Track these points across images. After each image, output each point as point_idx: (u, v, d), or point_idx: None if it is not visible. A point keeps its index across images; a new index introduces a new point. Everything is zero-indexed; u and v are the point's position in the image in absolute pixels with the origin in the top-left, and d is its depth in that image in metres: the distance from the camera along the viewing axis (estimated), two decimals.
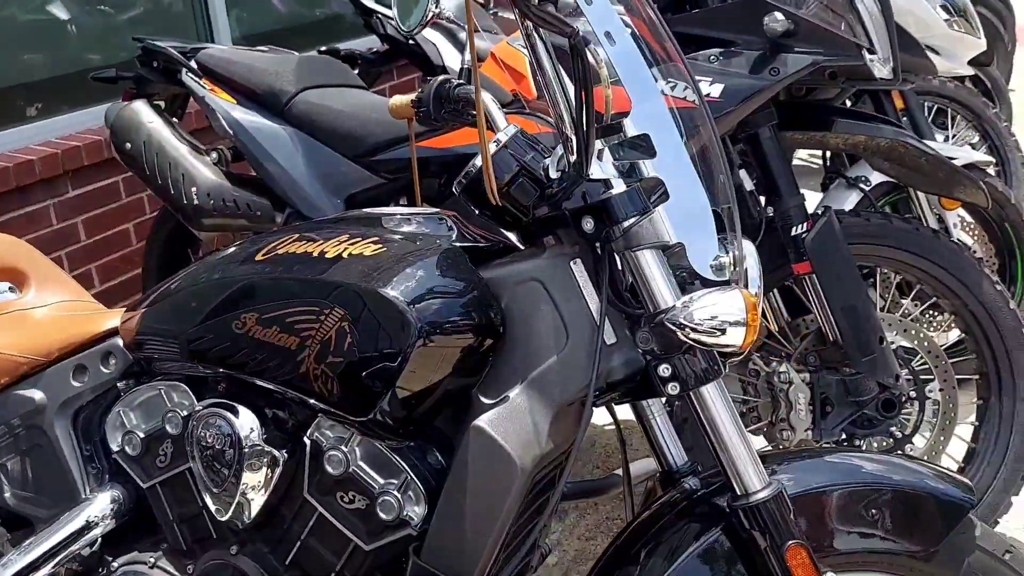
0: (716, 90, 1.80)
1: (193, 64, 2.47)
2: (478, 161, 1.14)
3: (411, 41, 3.21)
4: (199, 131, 3.24)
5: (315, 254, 1.17)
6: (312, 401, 1.15)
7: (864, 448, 2.03)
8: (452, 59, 2.89)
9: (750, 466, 1.10)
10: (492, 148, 1.13)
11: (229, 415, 1.20)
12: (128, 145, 2.42)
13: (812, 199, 2.62)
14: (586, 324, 1.10)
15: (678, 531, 1.16)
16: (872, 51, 1.82)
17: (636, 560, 1.17)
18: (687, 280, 1.12)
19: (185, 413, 1.27)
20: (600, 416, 1.30)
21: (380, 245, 1.15)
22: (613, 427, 1.33)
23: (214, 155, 2.48)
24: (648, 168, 1.12)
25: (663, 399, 1.24)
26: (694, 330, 1.03)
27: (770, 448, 2.09)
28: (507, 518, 1.10)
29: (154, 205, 3.25)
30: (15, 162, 2.85)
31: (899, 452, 1.99)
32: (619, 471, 1.40)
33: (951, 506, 1.15)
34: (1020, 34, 7.42)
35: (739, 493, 1.10)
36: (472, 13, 1.13)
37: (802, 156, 4.94)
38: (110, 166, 3.07)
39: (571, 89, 1.06)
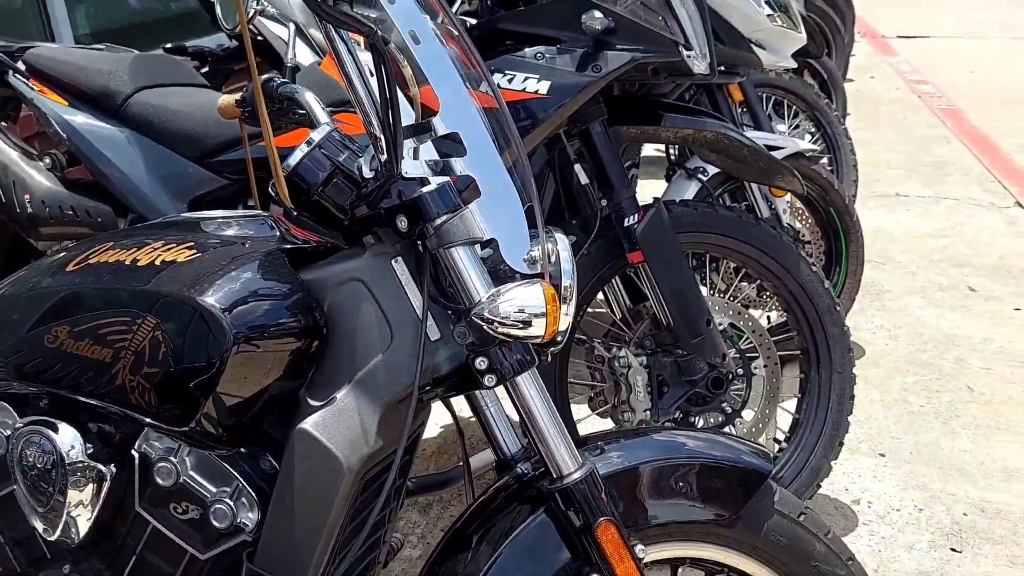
0: (543, 87, 1.86)
1: (20, 65, 2.37)
2: (292, 159, 1.14)
3: (259, 37, 3.17)
4: (35, 136, 3.11)
5: (127, 262, 1.15)
6: (132, 414, 1.13)
7: (699, 424, 2.16)
8: (302, 54, 2.86)
9: (563, 449, 1.15)
10: (305, 148, 1.14)
11: (49, 432, 1.17)
12: None
13: (660, 188, 2.75)
14: (410, 321, 1.13)
15: (508, 515, 1.21)
16: (689, 48, 1.91)
17: (468, 544, 1.21)
18: (507, 274, 1.16)
19: (7, 432, 1.23)
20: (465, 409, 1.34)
21: (195, 251, 1.14)
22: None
23: (48, 160, 2.38)
24: (459, 166, 1.15)
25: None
26: (501, 324, 1.06)
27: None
28: (337, 518, 1.12)
29: None
30: None
31: (713, 427, 2.10)
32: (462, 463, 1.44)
33: (751, 474, 1.24)
34: (860, 25, 7.90)
35: (555, 476, 1.16)
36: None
37: (660, 149, 5.13)
38: None
39: (376, 88, 1.08)
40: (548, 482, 1.17)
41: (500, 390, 1.17)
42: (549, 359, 1.25)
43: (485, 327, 1.08)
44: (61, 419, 1.19)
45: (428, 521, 2.42)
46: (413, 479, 1.46)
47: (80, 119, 2.29)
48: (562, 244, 1.23)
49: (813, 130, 3.93)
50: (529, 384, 1.15)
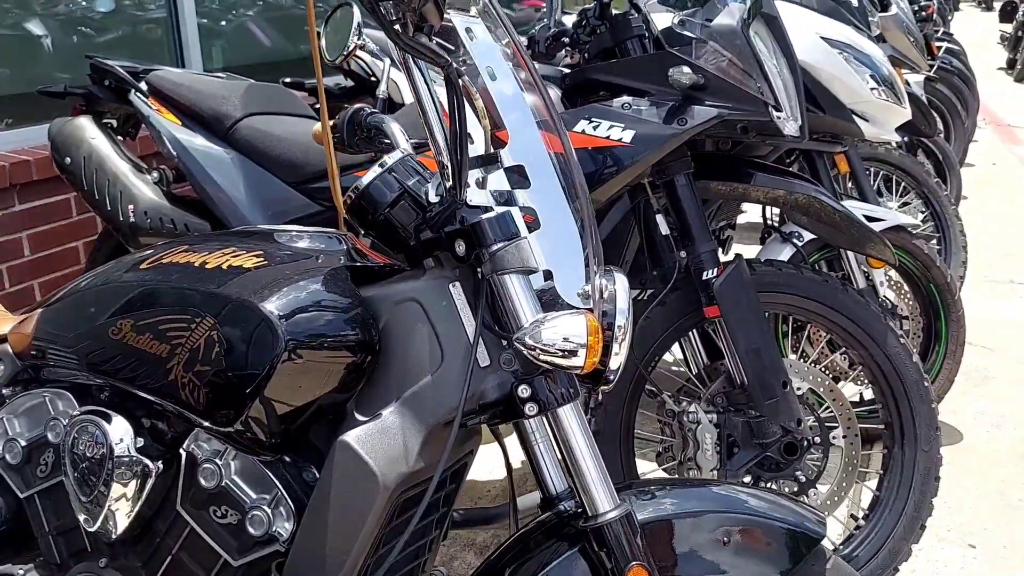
0: (627, 135, 1.86)
1: (143, 85, 2.52)
2: (364, 180, 1.17)
3: (372, 78, 3.29)
4: (153, 155, 3.28)
5: (196, 264, 1.18)
6: (182, 411, 1.15)
7: None
8: (403, 91, 2.96)
9: (600, 488, 1.13)
10: (377, 170, 1.18)
11: (103, 423, 1.20)
12: (68, 160, 2.44)
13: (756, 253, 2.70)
14: (461, 346, 1.13)
15: (544, 550, 1.19)
16: (778, 108, 1.89)
17: (501, 575, 1.19)
18: (560, 308, 1.15)
19: (67, 421, 1.25)
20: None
21: (262, 259, 1.17)
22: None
23: (155, 175, 2.50)
24: (523, 198, 1.16)
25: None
26: (543, 351, 1.06)
27: None
28: (368, 535, 1.12)
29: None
30: None
31: (766, 487, 2.02)
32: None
33: (802, 537, 1.19)
34: (986, 113, 7.67)
35: (590, 514, 1.13)
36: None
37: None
38: (61, 183, 3.09)
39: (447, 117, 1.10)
40: (583, 520, 1.14)
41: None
42: (599, 398, 1.23)
43: (526, 352, 1.07)
44: (117, 412, 1.21)
45: (482, 559, 2.39)
46: (459, 511, 1.45)
47: (190, 138, 2.41)
48: (620, 283, 1.22)
49: (923, 209, 3.83)
50: (571, 417, 1.13)
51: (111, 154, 2.48)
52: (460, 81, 1.07)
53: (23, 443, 1.31)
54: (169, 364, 1.13)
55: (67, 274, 3.26)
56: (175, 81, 2.53)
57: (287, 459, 1.18)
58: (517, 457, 1.38)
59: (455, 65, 1.06)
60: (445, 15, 1.11)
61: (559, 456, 1.17)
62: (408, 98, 2.98)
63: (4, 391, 1.36)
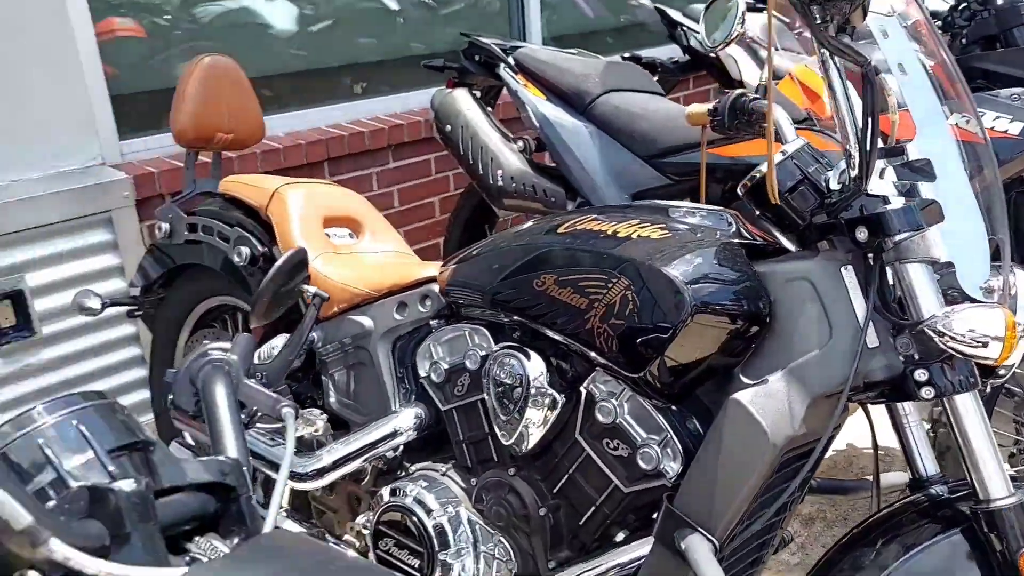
0: (1015, 128, 1.82)
1: (511, 60, 2.77)
2: (763, 167, 1.27)
3: (712, 55, 3.36)
4: (506, 121, 3.57)
5: (608, 232, 1.35)
6: (592, 355, 1.32)
7: None
8: (750, 74, 3.00)
9: (997, 474, 1.17)
10: (779, 157, 1.27)
11: (522, 358, 1.42)
12: (448, 127, 2.76)
13: None
14: (850, 325, 1.20)
15: (917, 527, 1.24)
16: None
17: (873, 544, 1.26)
18: (956, 300, 1.19)
19: (483, 353, 1.50)
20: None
21: (666, 231, 1.31)
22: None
23: (520, 144, 2.76)
24: (928, 191, 1.20)
25: (920, 410, 1.31)
26: (953, 339, 1.10)
27: None
28: (754, 486, 1.23)
29: (458, 183, 3.61)
30: (350, 132, 3.29)
31: None
32: (870, 477, 1.48)
33: None
34: None
35: (982, 498, 1.17)
36: (773, 32, 1.26)
37: None
38: (425, 145, 3.47)
39: (859, 111, 1.17)
40: (974, 503, 1.18)
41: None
42: (987, 390, 1.25)
43: (936, 339, 1.12)
44: (530, 349, 1.42)
45: (809, 535, 2.44)
46: (818, 479, 1.53)
47: (553, 112, 2.62)
48: (1021, 280, 1.23)
49: None
50: (969, 405, 1.17)
51: (484, 124, 2.76)
52: (876, 79, 1.14)
53: (445, 366, 1.58)
54: (587, 315, 1.31)
55: (424, 225, 3.63)
56: (539, 59, 2.75)
57: (674, 408, 1.32)
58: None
59: (873, 64, 1.13)
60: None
61: (957, 441, 1.21)
62: (746, 75, 3.02)
63: (431, 322, 1.64)
